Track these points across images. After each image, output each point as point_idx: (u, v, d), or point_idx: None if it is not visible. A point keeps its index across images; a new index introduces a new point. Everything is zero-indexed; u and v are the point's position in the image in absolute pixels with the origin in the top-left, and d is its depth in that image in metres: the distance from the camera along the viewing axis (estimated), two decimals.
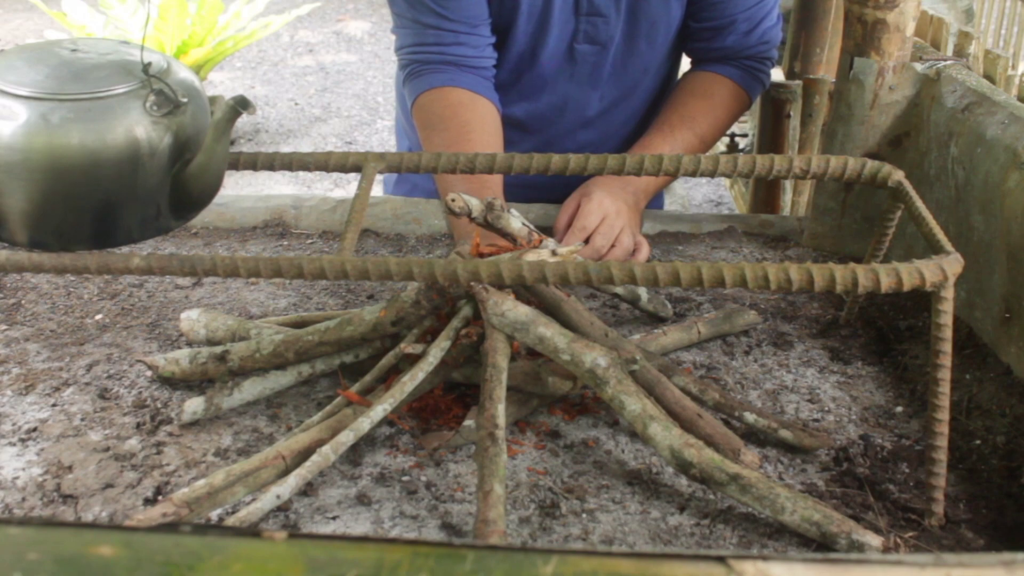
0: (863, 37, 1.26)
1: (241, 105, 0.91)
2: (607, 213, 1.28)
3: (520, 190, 1.46)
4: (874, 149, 1.29)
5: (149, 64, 0.91)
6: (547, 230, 1.43)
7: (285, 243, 1.43)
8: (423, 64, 1.40)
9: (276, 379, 1.05)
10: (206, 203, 0.98)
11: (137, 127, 0.89)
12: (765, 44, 1.45)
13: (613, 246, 1.28)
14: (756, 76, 1.47)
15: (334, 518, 0.90)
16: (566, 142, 1.48)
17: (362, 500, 0.91)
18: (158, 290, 1.30)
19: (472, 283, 0.97)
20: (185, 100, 0.92)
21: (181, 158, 0.92)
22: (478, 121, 1.37)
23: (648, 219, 1.46)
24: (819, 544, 0.84)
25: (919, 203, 0.94)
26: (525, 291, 1.02)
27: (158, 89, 0.90)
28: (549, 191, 1.48)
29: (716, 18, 1.41)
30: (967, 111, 1.17)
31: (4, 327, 1.21)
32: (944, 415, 0.87)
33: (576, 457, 0.98)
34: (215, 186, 0.97)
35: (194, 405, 1.01)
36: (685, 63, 1.56)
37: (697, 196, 4.15)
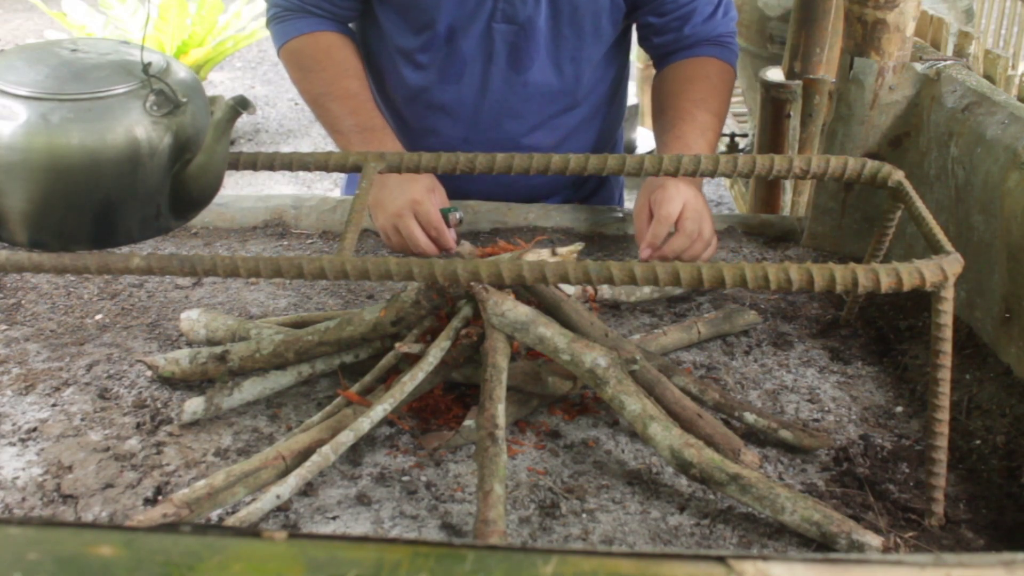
0: (863, 37, 1.26)
1: (241, 105, 0.91)
2: (687, 199, 1.26)
3: (498, 188, 1.47)
4: (874, 149, 1.29)
5: (149, 64, 0.91)
6: (551, 231, 1.43)
7: (285, 243, 1.43)
8: (288, 11, 1.45)
9: (276, 379, 1.05)
10: (206, 203, 0.97)
11: (137, 127, 0.89)
12: (729, 17, 1.47)
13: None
14: (731, 49, 1.48)
15: (334, 518, 0.90)
16: (493, 132, 1.45)
17: (362, 500, 0.91)
18: (158, 290, 1.30)
19: (472, 283, 0.97)
20: (185, 100, 0.92)
21: (181, 158, 0.92)
22: (352, 62, 1.44)
23: None
24: (819, 544, 0.84)
25: (919, 203, 0.94)
26: (525, 291, 1.02)
27: (158, 89, 0.90)
28: (525, 190, 1.48)
29: (680, 7, 1.42)
30: (967, 111, 1.16)
31: (4, 327, 1.21)
32: (944, 415, 0.87)
33: (576, 457, 0.98)
34: (215, 186, 0.97)
35: (194, 405, 1.01)
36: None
37: None
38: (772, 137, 1.96)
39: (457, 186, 1.40)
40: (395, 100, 1.50)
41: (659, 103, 1.46)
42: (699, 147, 1.33)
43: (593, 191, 1.63)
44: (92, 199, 0.90)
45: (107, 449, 0.98)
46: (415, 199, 1.32)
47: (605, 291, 1.23)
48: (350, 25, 1.50)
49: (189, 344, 1.15)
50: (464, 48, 1.41)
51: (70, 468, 0.96)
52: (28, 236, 0.93)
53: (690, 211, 1.25)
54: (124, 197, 0.92)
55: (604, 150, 1.55)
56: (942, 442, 0.87)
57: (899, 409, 1.06)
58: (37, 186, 0.88)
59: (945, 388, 0.86)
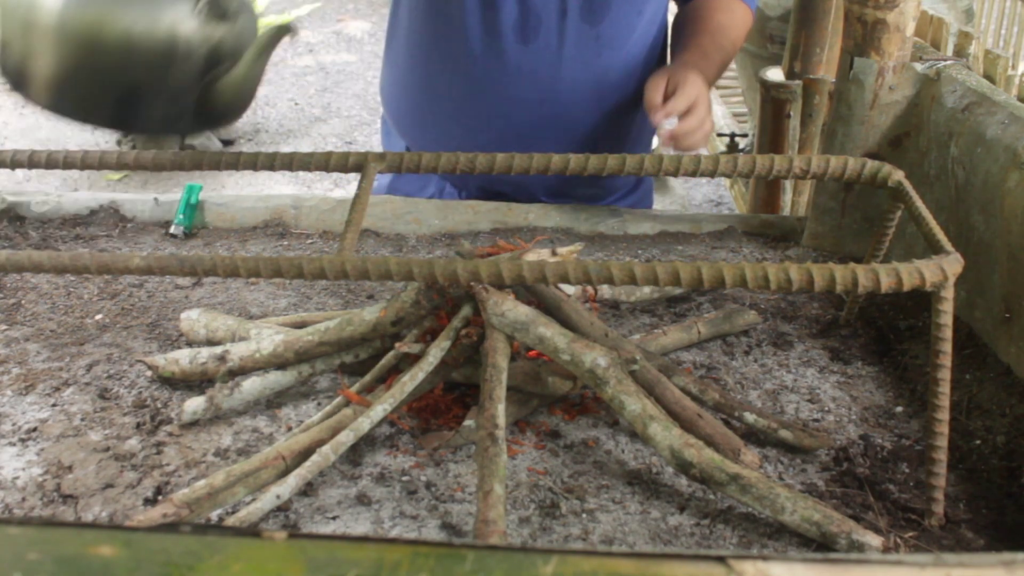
0: (863, 37, 1.26)
1: (286, 29, 0.95)
2: (701, 89, 1.34)
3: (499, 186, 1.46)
4: (874, 149, 1.29)
5: None
6: (551, 231, 1.43)
7: (285, 243, 1.43)
8: None
9: (276, 379, 1.05)
10: (232, 119, 1.00)
11: (181, 24, 0.90)
12: None
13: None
14: None
15: (334, 518, 0.90)
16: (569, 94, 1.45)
17: (362, 500, 0.91)
18: (158, 290, 1.30)
19: (472, 283, 0.97)
20: (235, 13, 0.94)
21: (217, 67, 0.94)
22: None
23: (648, 219, 1.46)
24: (819, 544, 0.84)
25: (919, 203, 0.94)
26: (525, 291, 1.02)
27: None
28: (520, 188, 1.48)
29: None
30: (967, 111, 1.16)
31: (4, 327, 1.21)
32: (944, 415, 0.87)
33: (576, 457, 0.98)
34: (244, 104, 0.99)
35: (194, 405, 1.01)
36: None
37: (697, 196, 4.15)
38: (772, 137, 1.95)
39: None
40: (463, 61, 1.46)
41: (678, 23, 1.50)
42: (713, 58, 1.42)
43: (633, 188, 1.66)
44: (119, 81, 0.92)
45: (107, 449, 0.98)
46: None
47: (605, 291, 1.23)
48: None
49: (189, 344, 1.15)
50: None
51: (70, 468, 0.96)
52: (50, 100, 0.95)
53: (704, 99, 1.33)
54: (152, 89, 0.93)
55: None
56: (942, 442, 0.87)
57: (899, 409, 1.06)
58: (69, 54, 0.90)
59: (945, 388, 0.86)
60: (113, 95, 0.92)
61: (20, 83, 0.96)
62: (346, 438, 0.92)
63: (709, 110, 1.35)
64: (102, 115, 0.96)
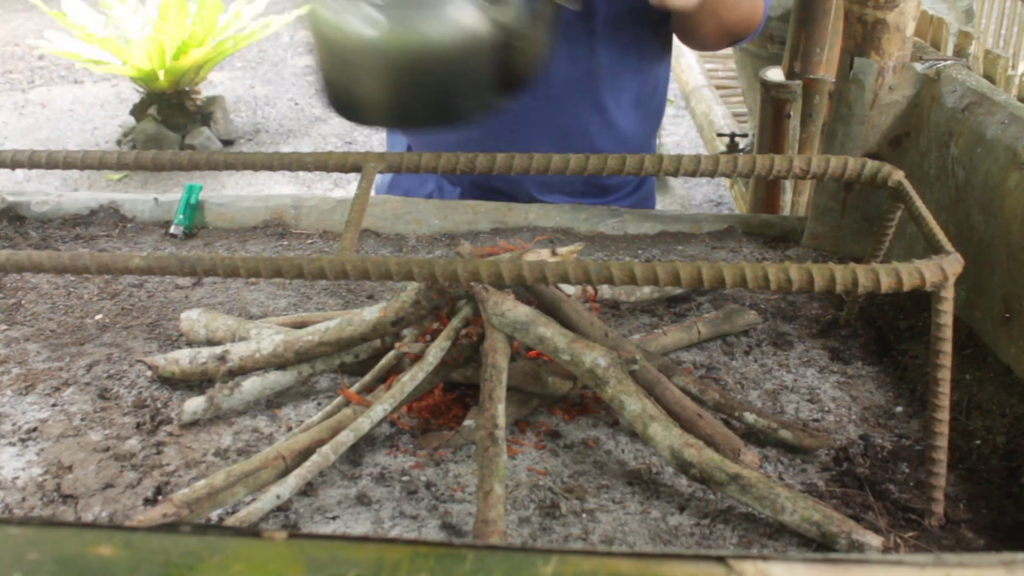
0: (863, 37, 1.26)
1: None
2: None
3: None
4: (874, 149, 1.29)
5: None
6: (551, 231, 1.43)
7: (285, 243, 1.43)
8: None
9: (276, 379, 1.05)
10: (527, 86, 1.11)
11: (471, 18, 1.02)
12: None
13: None
14: None
15: (334, 518, 0.90)
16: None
17: (362, 500, 0.91)
18: (158, 290, 1.30)
19: (472, 283, 0.97)
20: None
21: (508, 45, 1.06)
22: None
23: (648, 219, 1.46)
24: (819, 544, 0.84)
25: (919, 203, 0.94)
26: (525, 291, 1.02)
27: None
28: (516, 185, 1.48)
29: None
30: (967, 111, 1.17)
31: (4, 327, 1.21)
32: (944, 415, 0.87)
33: (576, 457, 0.98)
34: (536, 70, 1.12)
35: (194, 405, 1.01)
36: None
37: (697, 196, 4.15)
38: (772, 137, 1.95)
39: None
40: None
41: None
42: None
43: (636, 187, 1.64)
44: (434, 84, 1.04)
45: (107, 449, 0.98)
46: None
47: (605, 291, 1.23)
48: None
49: (189, 344, 1.15)
50: None
51: (70, 468, 0.96)
52: (382, 118, 1.16)
53: None
54: (461, 81, 1.05)
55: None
56: (942, 442, 0.87)
57: (899, 409, 1.06)
58: (388, 76, 1.03)
59: (945, 388, 0.86)
60: (431, 98, 1.04)
61: (350, 111, 1.10)
62: (346, 438, 0.92)
63: None
64: (428, 117, 1.10)
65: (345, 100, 1.11)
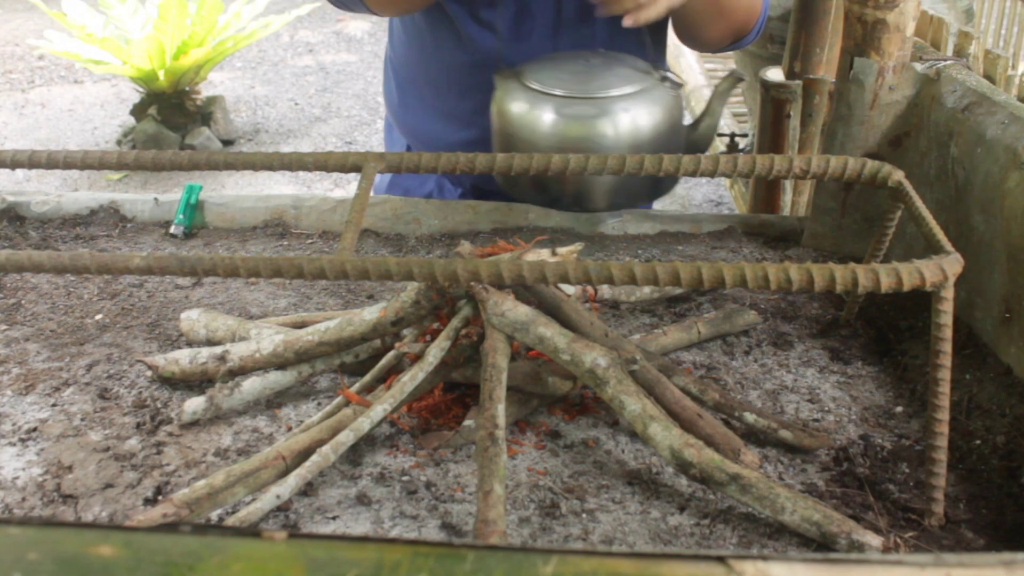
0: (863, 37, 1.26)
1: (738, 75, 1.31)
2: None
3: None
4: (874, 149, 1.29)
5: (655, 64, 1.31)
6: (551, 231, 1.43)
7: (285, 243, 1.43)
8: None
9: (276, 379, 1.05)
10: (707, 151, 1.28)
11: (672, 107, 1.25)
12: None
13: None
14: None
15: (334, 518, 0.90)
16: None
17: (362, 500, 0.91)
18: (158, 290, 1.30)
19: (472, 283, 0.97)
20: (682, 82, 1.29)
21: (695, 125, 1.30)
22: None
23: (648, 219, 1.46)
24: (819, 544, 0.84)
25: (919, 203, 0.94)
26: (525, 291, 1.02)
27: (664, 77, 1.27)
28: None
29: None
30: (967, 111, 1.16)
31: (4, 327, 1.21)
32: (944, 415, 0.87)
33: (576, 457, 0.98)
34: (711, 141, 1.33)
35: (194, 405, 1.01)
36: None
37: (697, 196, 4.15)
38: (772, 137, 1.95)
39: None
40: (456, 68, 1.45)
41: None
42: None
43: None
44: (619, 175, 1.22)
45: (107, 449, 0.98)
46: None
47: (605, 291, 1.23)
48: None
49: (189, 344, 1.15)
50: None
51: (70, 468, 0.96)
52: (608, 202, 1.29)
53: None
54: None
55: None
56: (942, 442, 0.87)
57: (899, 409, 1.06)
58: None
59: (945, 388, 0.86)
60: (649, 177, 1.16)
61: (523, 192, 1.31)
62: (346, 438, 0.92)
63: None
64: (643, 194, 1.30)
65: (518, 180, 1.28)
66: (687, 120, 1.36)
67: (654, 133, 1.24)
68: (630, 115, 1.22)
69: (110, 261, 0.91)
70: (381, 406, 0.95)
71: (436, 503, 0.91)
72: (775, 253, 1.40)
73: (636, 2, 1.23)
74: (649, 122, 1.23)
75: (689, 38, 1.47)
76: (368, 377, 1.02)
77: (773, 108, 1.93)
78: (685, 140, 1.28)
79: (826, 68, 1.93)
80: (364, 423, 0.94)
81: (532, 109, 1.24)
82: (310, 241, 1.43)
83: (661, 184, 1.33)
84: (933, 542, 0.87)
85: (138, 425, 1.02)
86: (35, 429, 1.01)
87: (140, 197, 1.51)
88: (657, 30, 1.50)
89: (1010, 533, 0.88)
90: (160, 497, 0.92)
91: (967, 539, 0.87)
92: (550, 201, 1.33)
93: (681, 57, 4.54)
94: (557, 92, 1.23)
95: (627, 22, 1.24)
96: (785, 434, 0.98)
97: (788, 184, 2.08)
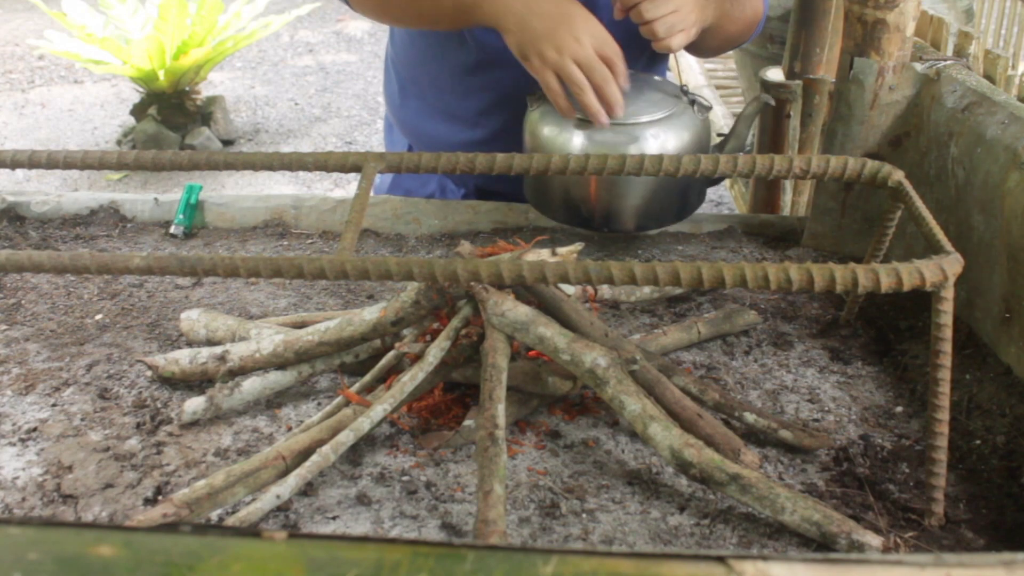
0: (863, 37, 1.26)
1: (766, 100, 1.35)
2: None
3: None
4: (874, 149, 1.29)
5: (685, 84, 1.35)
6: (551, 231, 1.43)
7: (285, 243, 1.43)
8: None
9: (276, 379, 1.05)
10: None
11: (700, 131, 1.29)
12: None
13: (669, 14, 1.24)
14: None
15: (334, 518, 0.90)
16: None
17: (362, 500, 0.91)
18: (158, 290, 1.30)
19: (472, 283, 0.97)
20: (709, 104, 1.32)
21: (717, 144, 1.33)
22: None
23: None
24: (819, 544, 0.84)
25: (919, 203, 0.94)
26: (525, 291, 1.02)
27: (693, 100, 1.31)
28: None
29: None
30: (967, 111, 1.16)
31: (4, 327, 1.21)
32: (944, 415, 0.87)
33: (576, 457, 0.98)
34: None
35: (194, 405, 1.01)
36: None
37: None
38: (772, 137, 1.95)
39: None
40: (459, 68, 1.45)
41: None
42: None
43: None
44: (677, 189, 1.30)
45: (107, 449, 0.98)
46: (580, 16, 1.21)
47: (605, 291, 1.23)
48: None
49: (189, 344, 1.15)
50: None
51: (70, 468, 0.96)
52: (636, 223, 1.34)
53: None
54: (692, 182, 1.32)
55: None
56: (942, 442, 0.87)
57: (899, 409, 1.06)
58: (647, 188, 1.29)
59: (945, 388, 0.86)
60: (676, 199, 1.28)
61: (552, 211, 1.36)
62: (346, 438, 0.92)
63: (689, 6, 1.24)
64: (669, 216, 1.34)
65: (550, 202, 1.34)
66: (714, 140, 1.39)
67: (691, 151, 1.28)
68: (659, 141, 1.25)
69: (110, 261, 0.91)
70: (381, 406, 0.95)
71: (436, 503, 0.91)
72: (775, 253, 1.40)
73: (669, 30, 1.24)
74: (677, 146, 1.25)
75: (692, 48, 1.47)
76: (368, 377, 1.02)
77: (773, 108, 1.93)
78: None
79: (826, 68, 1.93)
80: (364, 423, 0.94)
81: (562, 133, 1.27)
82: (310, 241, 1.43)
83: (688, 205, 1.36)
84: (933, 542, 0.87)
85: (138, 425, 1.02)
86: (35, 429, 1.01)
87: (140, 197, 1.51)
88: None
89: (1010, 533, 0.88)
90: (160, 497, 0.92)
91: (967, 539, 0.87)
92: (581, 222, 1.36)
93: (681, 57, 4.53)
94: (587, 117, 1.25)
95: (658, 47, 1.25)
96: (785, 434, 0.98)
97: (788, 184, 2.08)
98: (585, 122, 1.25)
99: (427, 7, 1.34)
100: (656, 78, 1.36)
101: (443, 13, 1.33)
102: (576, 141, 1.26)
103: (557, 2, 1.23)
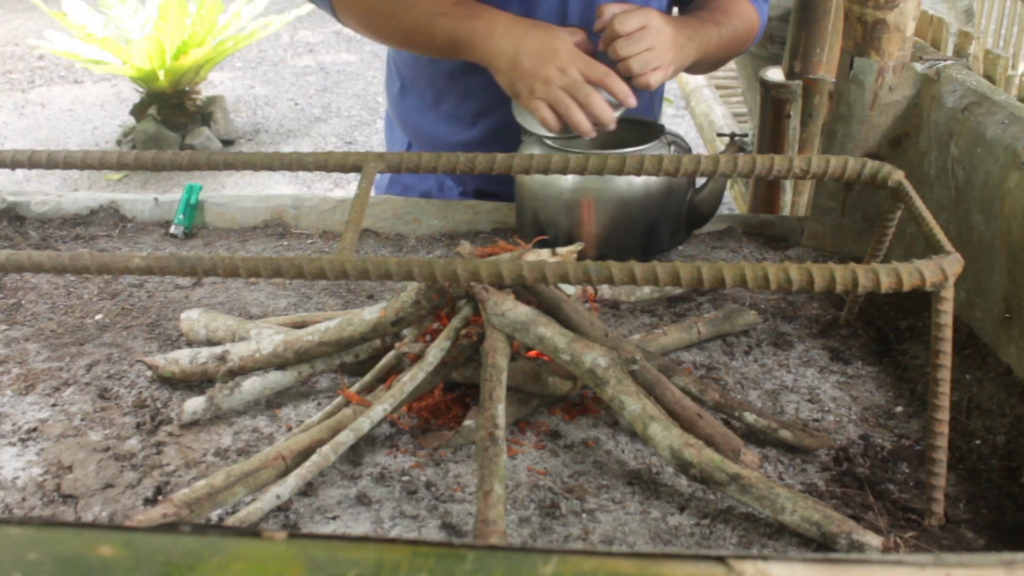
0: (863, 37, 1.26)
1: (740, 146, 1.34)
2: (649, 24, 1.25)
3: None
4: (874, 149, 1.29)
5: (663, 126, 1.36)
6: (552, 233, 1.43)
7: (285, 243, 1.43)
8: None
9: (276, 379, 1.05)
10: (709, 219, 1.37)
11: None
12: None
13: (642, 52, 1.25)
14: (763, 2, 1.48)
15: (334, 518, 0.90)
16: None
17: (362, 500, 0.91)
18: (158, 290, 1.30)
19: (472, 283, 0.97)
20: (688, 145, 1.34)
21: (693, 187, 1.34)
22: None
23: None
24: (819, 544, 0.84)
25: (919, 203, 0.94)
26: (525, 291, 1.02)
27: (672, 141, 1.32)
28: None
29: None
30: (967, 111, 1.16)
31: (4, 327, 1.21)
32: (944, 415, 0.87)
33: (576, 457, 0.98)
34: (716, 207, 1.36)
35: (194, 405, 1.01)
36: None
37: None
38: (772, 137, 1.95)
39: None
40: (458, 70, 1.46)
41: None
42: (701, 26, 1.35)
43: None
44: (643, 223, 1.30)
45: (107, 449, 0.98)
46: (565, 42, 1.24)
47: (605, 291, 1.23)
48: None
49: (189, 344, 1.15)
50: None
51: (70, 468, 0.96)
52: (597, 252, 1.30)
53: (656, 28, 1.25)
54: (663, 219, 1.31)
55: None
56: (942, 442, 0.87)
57: (899, 409, 1.06)
58: (610, 218, 1.29)
59: (945, 388, 0.86)
60: (640, 233, 1.29)
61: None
62: (346, 438, 0.92)
63: (665, 45, 1.26)
64: (634, 249, 1.30)
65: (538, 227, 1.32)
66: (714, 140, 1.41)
67: (662, 190, 1.30)
68: (641, 178, 1.28)
69: (110, 261, 0.91)
70: (381, 406, 0.95)
71: (436, 503, 0.91)
72: (775, 253, 1.40)
73: (643, 66, 1.25)
74: (658, 182, 1.29)
75: (690, 69, 1.47)
76: (368, 377, 1.02)
77: (773, 108, 1.94)
78: (689, 202, 1.34)
79: (826, 68, 1.93)
80: (364, 423, 0.94)
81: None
82: (310, 241, 1.43)
83: (661, 245, 1.37)
84: (933, 542, 0.87)
85: (138, 425, 1.02)
86: (35, 429, 1.01)
87: (140, 197, 1.51)
88: None
89: (1010, 533, 0.88)
90: (160, 497, 0.92)
91: (967, 539, 0.87)
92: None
93: None
94: (576, 149, 1.27)
95: (636, 84, 1.26)
96: (785, 434, 0.98)
97: (788, 184, 2.08)
98: (574, 138, 1.29)
99: (420, 42, 1.37)
100: (642, 118, 1.37)
101: (435, 48, 1.36)
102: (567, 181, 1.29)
103: (544, 39, 1.26)
